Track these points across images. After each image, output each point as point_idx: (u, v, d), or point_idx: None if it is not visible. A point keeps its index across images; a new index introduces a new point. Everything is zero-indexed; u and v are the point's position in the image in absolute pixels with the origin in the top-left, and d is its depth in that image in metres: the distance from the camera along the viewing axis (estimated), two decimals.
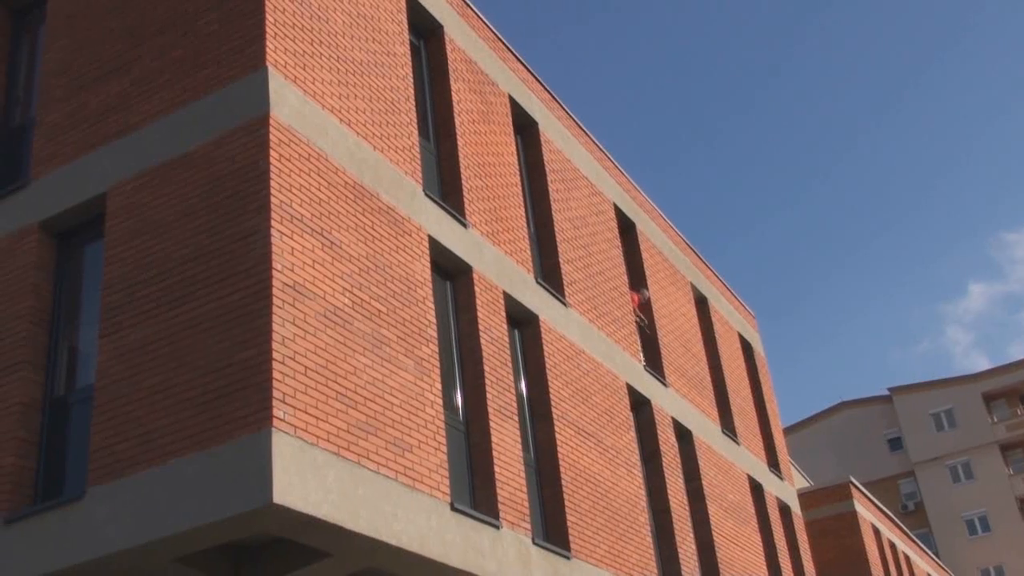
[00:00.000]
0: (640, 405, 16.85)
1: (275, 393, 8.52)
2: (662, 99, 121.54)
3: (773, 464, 23.36)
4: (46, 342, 10.39)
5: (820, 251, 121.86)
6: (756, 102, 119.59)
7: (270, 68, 9.93)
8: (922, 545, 39.48)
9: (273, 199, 9.31)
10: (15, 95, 12.45)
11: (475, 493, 11.55)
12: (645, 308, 18.43)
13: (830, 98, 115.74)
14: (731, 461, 20.05)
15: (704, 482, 18.11)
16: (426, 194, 12.14)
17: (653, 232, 20.27)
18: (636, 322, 17.55)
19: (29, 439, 9.88)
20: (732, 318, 23.93)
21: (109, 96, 10.90)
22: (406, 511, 9.66)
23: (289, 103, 10.03)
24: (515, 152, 15.39)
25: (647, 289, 18.60)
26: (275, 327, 8.78)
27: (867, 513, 30.07)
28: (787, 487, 23.58)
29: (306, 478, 8.53)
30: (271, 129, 9.64)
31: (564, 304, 14.90)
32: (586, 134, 18.32)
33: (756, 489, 21.37)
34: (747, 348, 24.63)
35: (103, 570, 9.01)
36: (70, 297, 10.71)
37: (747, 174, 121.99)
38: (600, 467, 14.20)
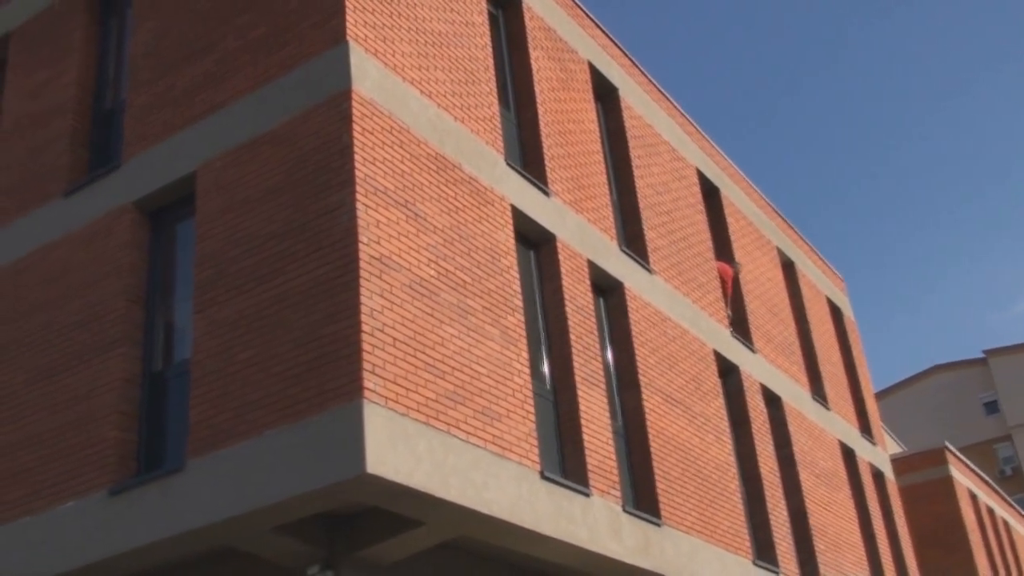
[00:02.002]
0: (728, 371, 16.69)
1: (365, 365, 8.62)
2: (744, 61, 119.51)
3: (865, 430, 22.98)
4: (143, 319, 10.65)
5: (910, 212, 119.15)
6: (842, 61, 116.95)
7: (351, 42, 9.98)
8: (1021, 511, 38.58)
9: (357, 173, 9.39)
10: (106, 79, 12.74)
11: (564, 461, 11.58)
12: (734, 282, 18.19)
13: (918, 56, 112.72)
14: (822, 427, 19.77)
15: (795, 448, 17.90)
16: (508, 164, 12.12)
17: (737, 196, 20.00)
18: (723, 307, 17.33)
19: (130, 413, 10.17)
20: (820, 282, 23.53)
21: (195, 76, 11.08)
22: (496, 480, 9.72)
23: (370, 77, 10.08)
24: (595, 119, 15.28)
25: (739, 262, 18.36)
26: (363, 299, 8.87)
27: (963, 478, 29.47)
28: (880, 453, 23.19)
29: (397, 448, 8.63)
30: (353, 103, 9.71)
31: (648, 271, 14.80)
32: (667, 99, 18.10)
33: (848, 455, 21.05)
34: (836, 312, 24.21)
35: (203, 539, 9.25)
36: (164, 274, 10.97)
37: (833, 135, 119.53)
38: (689, 434, 14.11)
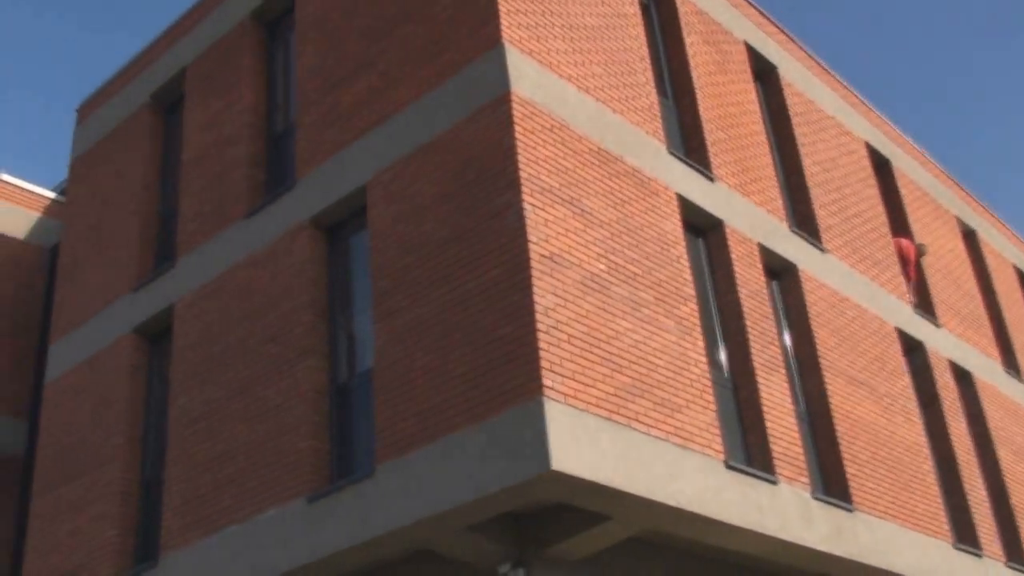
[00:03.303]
0: (913, 349, 16.07)
1: (543, 363, 8.68)
2: (908, 29, 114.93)
3: None
4: (326, 331, 11.03)
5: None
6: (1012, 25, 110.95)
7: (506, 45, 10.07)
8: None
9: (522, 173, 9.47)
10: (275, 102, 13.25)
11: (748, 449, 11.38)
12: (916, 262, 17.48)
13: None
14: (1018, 402, 18.81)
15: (991, 425, 17.08)
16: (670, 152, 12.01)
17: (911, 167, 19.23)
18: (905, 286, 16.67)
19: (321, 423, 10.54)
20: (1006, 250, 22.39)
21: (359, 92, 11.40)
22: (681, 471, 9.63)
23: (528, 77, 10.15)
24: (756, 100, 14.96)
25: (924, 244, 17.64)
26: (536, 298, 8.93)
27: None
28: None
29: (581, 444, 8.66)
30: (513, 105, 9.79)
31: (822, 251, 14.39)
32: (829, 73, 17.57)
33: None
34: None
35: (397, 542, 9.50)
36: (343, 287, 11.32)
37: (1010, 98, 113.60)
38: (875, 416, 13.65)
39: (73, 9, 58.13)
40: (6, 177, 18.16)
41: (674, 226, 11.41)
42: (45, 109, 58.43)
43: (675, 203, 11.63)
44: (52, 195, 18.74)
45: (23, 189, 18.38)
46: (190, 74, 14.26)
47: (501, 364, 8.90)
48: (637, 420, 9.44)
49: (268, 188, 12.63)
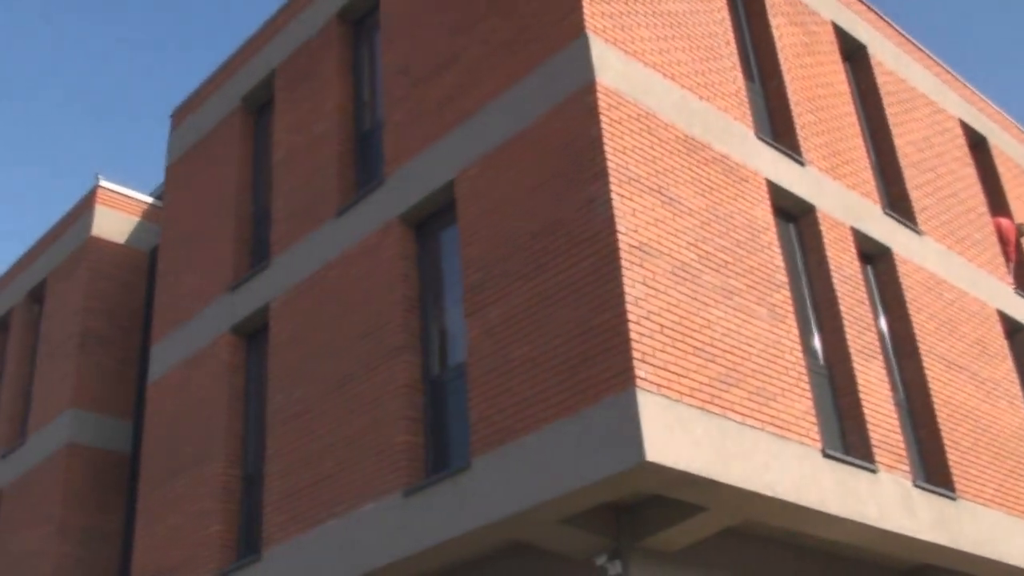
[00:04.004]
0: (1016, 332, 15.62)
1: (635, 353, 8.65)
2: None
3: None
4: (419, 326, 11.15)
5: None
6: None
7: (590, 35, 10.04)
8: None
9: (609, 163, 9.44)
10: (363, 101, 13.42)
11: (846, 437, 11.19)
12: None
13: None
14: None
15: None
16: (758, 137, 11.85)
17: (1008, 144, 18.67)
18: (1006, 267, 16.21)
19: (416, 417, 10.67)
20: None
21: (445, 88, 11.49)
22: (777, 460, 9.52)
23: (612, 67, 10.11)
24: (845, 80, 14.67)
25: (1022, 223, 17.13)
26: (627, 289, 8.91)
27: None
28: None
29: (675, 434, 8.61)
30: (598, 95, 9.77)
31: (917, 233, 14.07)
32: (920, 50, 17.14)
33: None
34: None
35: (494, 534, 9.57)
36: (434, 282, 11.43)
37: None
38: (977, 401, 13.31)
39: (166, 18, 59.61)
40: (106, 184, 18.72)
41: (764, 212, 11.27)
42: (142, 116, 60.08)
43: (765, 189, 11.48)
44: (150, 200, 19.27)
45: (123, 195, 18.92)
46: (279, 76, 14.53)
47: (593, 355, 8.90)
48: (731, 409, 9.35)
49: (358, 186, 12.81)
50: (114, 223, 18.54)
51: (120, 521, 16.63)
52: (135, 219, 18.88)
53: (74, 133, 61.26)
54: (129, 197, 19.01)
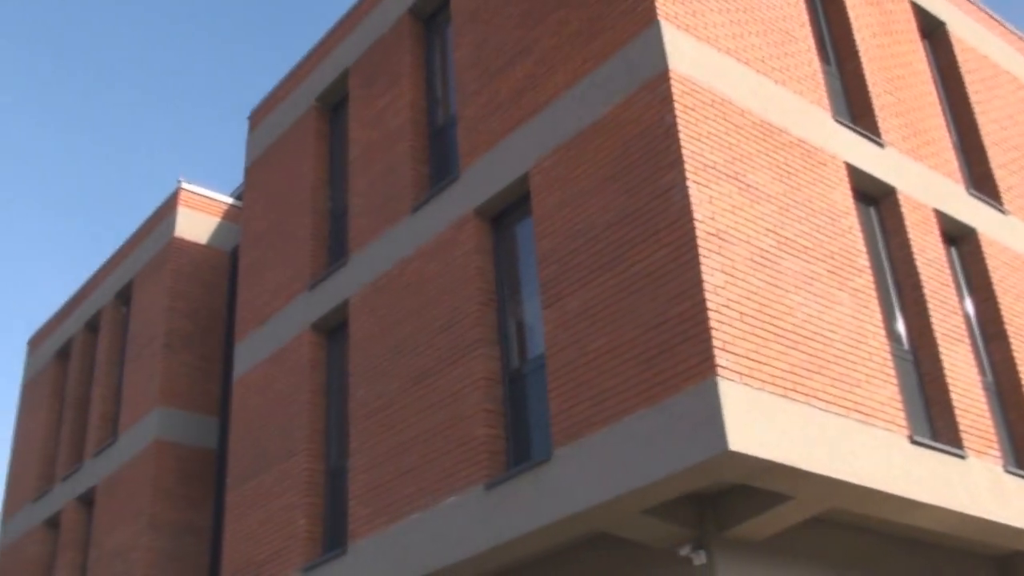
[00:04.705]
0: None
1: (715, 342, 8.58)
2: None
3: None
4: (496, 320, 11.20)
5: None
6: None
7: (662, 22, 9.97)
8: None
9: (684, 151, 9.37)
10: (435, 96, 13.50)
11: (933, 423, 10.98)
12: None
13: None
14: None
15: None
16: (836, 120, 11.66)
17: None
18: None
19: (495, 410, 10.72)
20: None
21: (517, 80, 11.50)
22: (863, 448, 9.38)
23: (685, 54, 10.02)
24: (925, 59, 14.35)
25: None
26: (705, 277, 8.84)
27: None
28: None
29: (757, 423, 8.53)
30: (672, 83, 9.69)
31: (1003, 212, 13.73)
32: (1001, 24, 16.70)
33: None
34: None
35: (576, 526, 9.57)
36: (510, 275, 11.46)
37: None
38: None
39: (243, 20, 60.59)
40: (188, 186, 19.11)
41: (844, 196, 11.09)
42: (222, 119, 61.17)
43: (844, 172, 11.30)
44: (231, 200, 19.62)
45: (204, 196, 19.30)
46: (352, 74, 14.68)
47: (673, 345, 8.85)
48: (815, 397, 9.23)
49: (433, 181, 12.89)
50: (196, 224, 18.93)
51: (209, 516, 16.99)
52: (216, 220, 19.24)
53: (156, 136, 62.60)
54: (210, 198, 19.39)
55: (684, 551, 9.32)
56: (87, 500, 18.94)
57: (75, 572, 18.63)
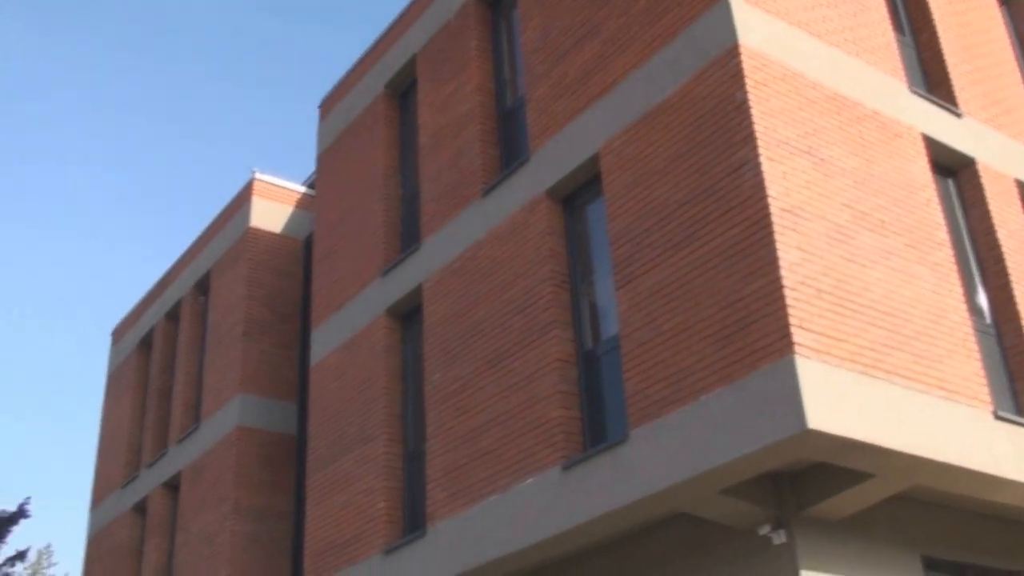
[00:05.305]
0: None
1: (792, 319, 8.50)
2: None
3: None
4: (569, 301, 11.20)
5: None
6: None
7: None
8: None
9: (756, 127, 9.27)
10: (503, 79, 13.52)
11: (1018, 398, 10.75)
12: None
13: None
14: None
15: None
16: (912, 91, 11.43)
17: None
18: None
19: (570, 391, 10.73)
20: None
21: (585, 61, 11.46)
22: (945, 424, 9.22)
23: (755, 28, 9.90)
24: (1003, 25, 13.99)
25: None
26: (780, 254, 8.74)
27: None
28: None
29: (836, 401, 8.43)
30: (742, 58, 9.58)
31: None
32: None
33: None
34: None
35: (653, 506, 9.57)
36: (582, 256, 11.46)
37: None
38: None
39: (313, 10, 61.16)
40: (261, 176, 19.39)
41: (921, 168, 10.88)
42: (294, 109, 61.87)
43: (920, 144, 11.08)
44: (303, 189, 19.87)
45: (277, 186, 19.58)
46: (420, 60, 14.74)
47: (749, 323, 8.77)
48: (895, 374, 9.09)
49: (503, 164, 12.92)
50: (271, 214, 19.21)
51: (291, 500, 17.30)
52: (290, 208, 19.50)
53: (230, 126, 63.55)
54: (284, 187, 19.66)
55: (764, 530, 9.26)
56: (172, 486, 19.40)
57: (163, 556, 19.11)
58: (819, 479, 9.19)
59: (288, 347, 18.35)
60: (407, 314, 13.91)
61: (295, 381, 18.13)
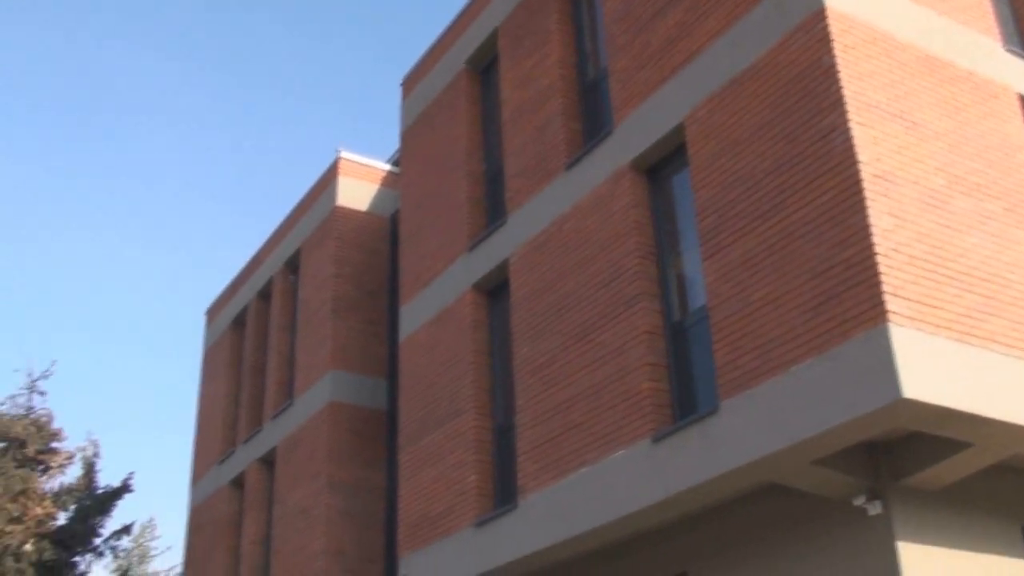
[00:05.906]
0: None
1: (885, 287, 8.34)
2: None
3: None
4: (656, 273, 11.14)
5: None
6: None
7: None
8: None
9: (845, 92, 9.08)
10: (584, 52, 13.44)
11: None
12: None
13: None
14: None
15: None
16: (1007, 49, 11.07)
17: None
18: None
19: (659, 363, 10.69)
20: None
21: (668, 29, 11.33)
22: None
23: None
24: None
25: None
26: (872, 221, 8.58)
27: None
28: None
29: (932, 369, 8.27)
30: (830, 21, 9.38)
31: None
32: None
33: None
34: None
35: (745, 477, 9.50)
36: (668, 227, 11.37)
37: None
38: None
39: None
40: (347, 155, 19.61)
41: (1018, 129, 10.55)
42: (377, 87, 62.39)
43: (1017, 104, 10.75)
44: (388, 167, 20.04)
45: (363, 164, 19.77)
46: (501, 34, 14.72)
47: (841, 291, 8.63)
48: (993, 340, 8.88)
49: (586, 137, 12.86)
50: (357, 192, 19.42)
51: (383, 474, 17.56)
52: (376, 187, 19.69)
53: (317, 105, 64.36)
54: (369, 166, 19.84)
55: (858, 501, 9.13)
56: (268, 461, 19.83)
57: (261, 528, 19.58)
58: (915, 449, 9.04)
59: (376, 323, 18.58)
60: (493, 289, 13.98)
61: (385, 357, 18.35)
